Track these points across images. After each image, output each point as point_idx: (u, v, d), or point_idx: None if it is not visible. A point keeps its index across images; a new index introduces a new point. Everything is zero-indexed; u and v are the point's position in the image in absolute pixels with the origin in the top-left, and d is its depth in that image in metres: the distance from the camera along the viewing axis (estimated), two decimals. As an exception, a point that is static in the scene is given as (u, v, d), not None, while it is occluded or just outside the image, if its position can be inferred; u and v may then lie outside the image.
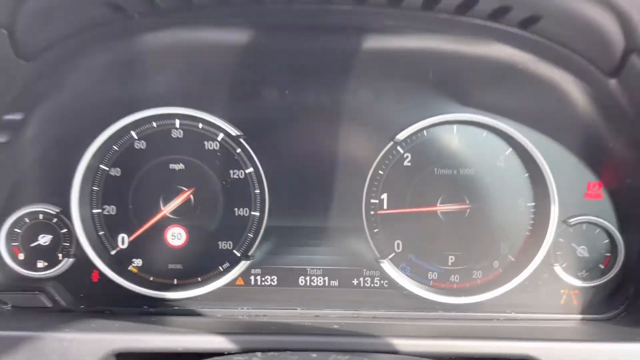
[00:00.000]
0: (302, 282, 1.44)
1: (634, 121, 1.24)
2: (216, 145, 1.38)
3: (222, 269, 1.43)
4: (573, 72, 1.24)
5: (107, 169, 1.38)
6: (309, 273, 1.43)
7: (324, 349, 0.90)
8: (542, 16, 1.08)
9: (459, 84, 1.35)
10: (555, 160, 1.36)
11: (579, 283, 1.41)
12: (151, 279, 1.42)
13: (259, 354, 0.89)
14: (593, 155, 1.36)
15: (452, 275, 1.43)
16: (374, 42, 1.28)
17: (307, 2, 1.16)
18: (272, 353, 0.89)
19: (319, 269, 1.43)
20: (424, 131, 1.38)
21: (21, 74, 1.19)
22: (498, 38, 1.21)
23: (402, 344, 1.11)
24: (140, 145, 1.38)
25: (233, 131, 1.36)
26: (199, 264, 1.42)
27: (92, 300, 1.39)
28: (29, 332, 1.12)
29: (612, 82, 1.19)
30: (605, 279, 1.40)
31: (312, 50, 1.32)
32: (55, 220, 1.38)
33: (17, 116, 1.28)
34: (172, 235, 1.40)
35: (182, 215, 1.40)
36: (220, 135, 1.38)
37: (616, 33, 1.05)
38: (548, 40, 1.18)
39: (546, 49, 1.21)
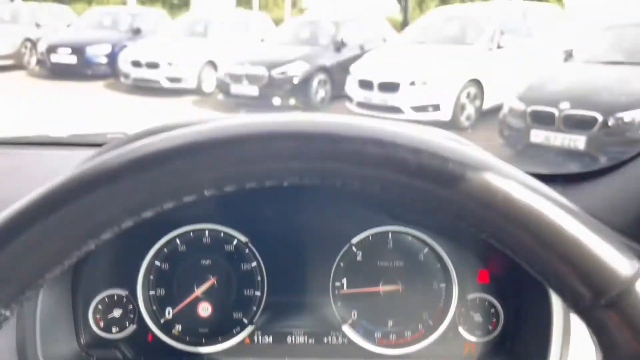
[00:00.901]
0: (289, 340, 2.08)
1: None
2: (232, 248, 2.06)
3: (235, 332, 2.06)
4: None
5: (159, 264, 2.05)
6: (293, 334, 2.07)
7: None
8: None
9: (391, 207, 2.06)
10: (456, 257, 2.03)
11: (474, 339, 2.05)
12: (187, 339, 2.05)
13: None
14: (482, 254, 2.05)
15: (391, 334, 2.07)
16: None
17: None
18: None
19: (301, 330, 2.07)
20: (370, 237, 2.07)
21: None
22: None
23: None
24: (182, 248, 2.06)
25: (243, 238, 2.05)
26: (220, 328, 2.05)
27: (149, 354, 2.02)
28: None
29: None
30: (492, 336, 2.05)
31: (297, 191, 2.02)
32: (124, 299, 2.04)
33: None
34: (202, 309, 2.06)
35: (209, 295, 2.05)
36: (235, 241, 2.06)
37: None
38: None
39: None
